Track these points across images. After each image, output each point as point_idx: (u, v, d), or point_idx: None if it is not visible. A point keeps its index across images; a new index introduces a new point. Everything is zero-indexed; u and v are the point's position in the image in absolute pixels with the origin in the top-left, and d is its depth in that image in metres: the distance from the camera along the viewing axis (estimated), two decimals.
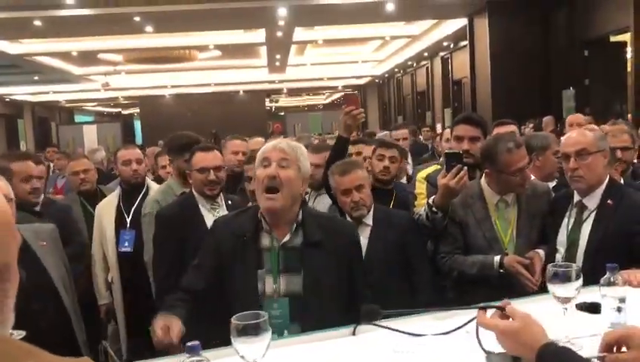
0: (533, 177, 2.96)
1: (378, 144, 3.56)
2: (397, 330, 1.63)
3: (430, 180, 2.92)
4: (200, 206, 2.95)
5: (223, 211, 2.98)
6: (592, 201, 2.43)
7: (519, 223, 2.64)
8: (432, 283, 2.66)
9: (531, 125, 9.73)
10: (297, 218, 2.04)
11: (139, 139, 27.17)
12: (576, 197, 2.48)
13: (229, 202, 3.05)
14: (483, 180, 2.70)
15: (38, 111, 25.23)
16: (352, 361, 1.55)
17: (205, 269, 2.06)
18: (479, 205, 2.65)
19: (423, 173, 3.03)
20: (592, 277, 2.26)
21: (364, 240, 2.61)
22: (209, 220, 2.89)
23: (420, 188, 2.95)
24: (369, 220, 2.70)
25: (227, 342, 1.45)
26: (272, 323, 1.55)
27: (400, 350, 1.55)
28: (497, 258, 2.53)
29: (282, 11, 11.06)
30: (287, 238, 2.01)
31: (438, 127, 16.26)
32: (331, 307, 1.94)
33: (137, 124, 28.74)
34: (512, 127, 5.20)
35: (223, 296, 1.98)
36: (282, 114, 32.32)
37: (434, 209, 2.62)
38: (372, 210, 2.72)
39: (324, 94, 32.62)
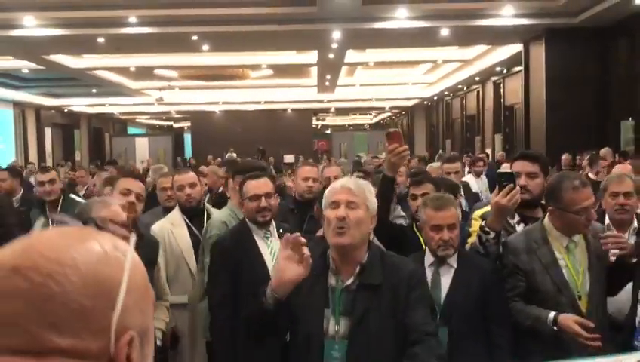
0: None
1: (410, 182, 3.47)
2: None
3: (486, 218, 2.87)
4: (254, 235, 2.94)
5: (275, 240, 2.95)
6: None
7: (591, 265, 2.55)
8: (512, 333, 2.54)
9: (587, 156, 9.48)
10: (362, 260, 2.02)
11: (188, 153, 27.79)
12: None
13: (281, 230, 3.00)
14: (547, 222, 2.61)
15: (94, 123, 26.12)
16: None
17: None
18: (545, 249, 2.56)
19: (479, 212, 2.99)
20: None
21: (445, 283, 2.56)
22: (263, 249, 2.90)
23: (475, 225, 2.88)
24: (453, 262, 2.59)
25: None
26: None
27: None
28: (552, 315, 2.42)
29: (336, 35, 11.17)
30: (350, 280, 2.01)
31: (488, 152, 16.06)
32: (380, 351, 1.91)
33: (187, 138, 29.40)
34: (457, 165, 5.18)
35: (283, 327, 2.00)
36: (328, 132, 32.49)
37: (486, 229, 2.57)
38: (457, 251, 2.61)
39: (371, 114, 32.65)
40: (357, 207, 1.98)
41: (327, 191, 2.09)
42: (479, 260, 2.64)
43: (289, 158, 23.88)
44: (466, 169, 11.05)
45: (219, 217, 3.38)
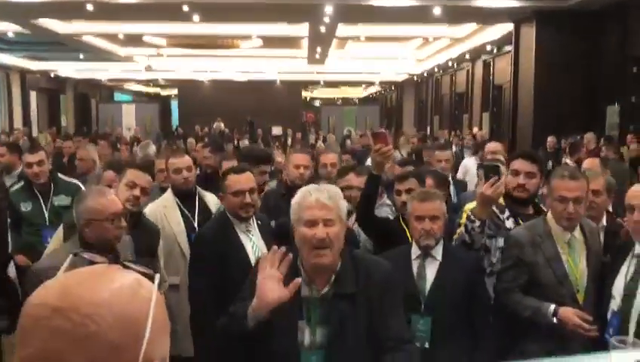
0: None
1: (394, 178, 3.50)
2: None
3: None
4: (236, 228, 2.92)
5: (255, 233, 2.97)
6: None
7: (589, 260, 2.66)
8: (494, 327, 2.68)
9: (570, 141, 9.59)
10: (336, 268, 2.00)
11: (175, 121, 27.61)
12: (638, 248, 2.49)
13: (259, 222, 3.05)
14: (549, 217, 2.71)
15: (80, 88, 25.77)
16: None
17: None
18: (548, 243, 2.65)
19: (470, 205, 3.09)
20: None
21: (430, 274, 2.66)
22: (245, 242, 2.92)
23: (465, 218, 2.99)
24: (438, 255, 2.70)
25: None
26: None
27: None
28: (552, 307, 2.54)
29: (328, 9, 11.09)
30: (325, 289, 1.98)
31: (475, 130, 16.17)
32: (358, 359, 1.92)
33: (174, 105, 29.16)
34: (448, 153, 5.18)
35: (261, 339, 1.93)
36: (317, 105, 32.39)
37: (472, 218, 2.70)
38: (442, 245, 2.72)
39: (360, 87, 32.56)
40: (333, 223, 1.94)
41: (297, 201, 2.01)
42: (464, 255, 2.76)
43: (277, 130, 23.83)
44: (453, 148, 11.17)
45: None
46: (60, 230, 3.05)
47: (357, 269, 2.02)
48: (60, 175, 4.40)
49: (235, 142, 17.17)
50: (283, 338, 1.93)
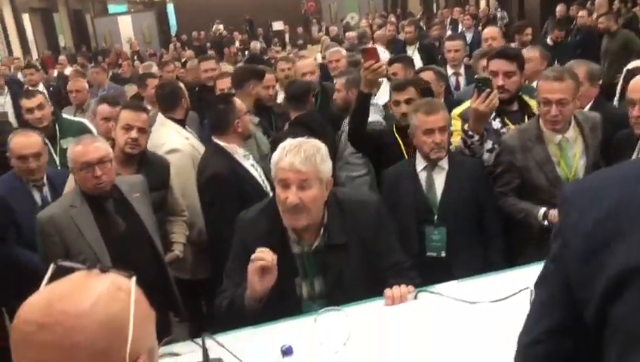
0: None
1: (392, 87, 3.34)
2: (455, 298, 1.79)
3: (465, 117, 2.90)
4: (237, 158, 2.91)
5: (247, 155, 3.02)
6: None
7: (586, 159, 2.62)
8: (503, 231, 2.70)
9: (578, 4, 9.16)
10: (323, 220, 1.96)
11: (173, 26, 26.81)
12: None
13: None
14: (541, 121, 2.66)
15: (72, 4, 24.94)
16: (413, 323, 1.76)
17: (243, 275, 1.88)
18: (538, 148, 2.63)
19: (457, 110, 3.04)
20: None
21: (439, 184, 2.66)
22: (252, 171, 2.94)
23: (456, 125, 2.93)
24: (444, 164, 2.67)
25: None
26: None
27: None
28: (542, 210, 2.56)
29: None
30: (317, 243, 1.96)
31: (482, 3, 15.48)
32: (359, 298, 1.92)
33: (170, 8, 28.13)
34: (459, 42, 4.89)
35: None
36: None
37: (470, 133, 2.67)
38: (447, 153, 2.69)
39: None
40: (310, 186, 1.84)
41: (274, 158, 1.91)
42: (468, 160, 2.74)
43: (278, 25, 23.05)
44: (459, 28, 10.72)
45: None
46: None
47: (345, 217, 1.98)
48: (65, 116, 4.27)
49: (237, 43, 16.67)
50: (283, 296, 1.93)
